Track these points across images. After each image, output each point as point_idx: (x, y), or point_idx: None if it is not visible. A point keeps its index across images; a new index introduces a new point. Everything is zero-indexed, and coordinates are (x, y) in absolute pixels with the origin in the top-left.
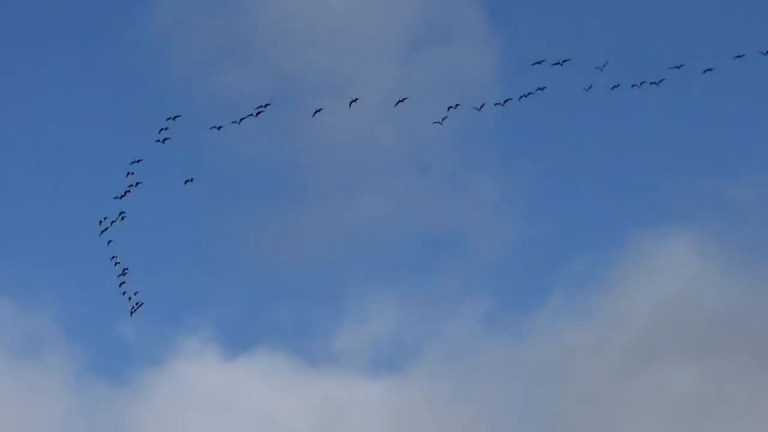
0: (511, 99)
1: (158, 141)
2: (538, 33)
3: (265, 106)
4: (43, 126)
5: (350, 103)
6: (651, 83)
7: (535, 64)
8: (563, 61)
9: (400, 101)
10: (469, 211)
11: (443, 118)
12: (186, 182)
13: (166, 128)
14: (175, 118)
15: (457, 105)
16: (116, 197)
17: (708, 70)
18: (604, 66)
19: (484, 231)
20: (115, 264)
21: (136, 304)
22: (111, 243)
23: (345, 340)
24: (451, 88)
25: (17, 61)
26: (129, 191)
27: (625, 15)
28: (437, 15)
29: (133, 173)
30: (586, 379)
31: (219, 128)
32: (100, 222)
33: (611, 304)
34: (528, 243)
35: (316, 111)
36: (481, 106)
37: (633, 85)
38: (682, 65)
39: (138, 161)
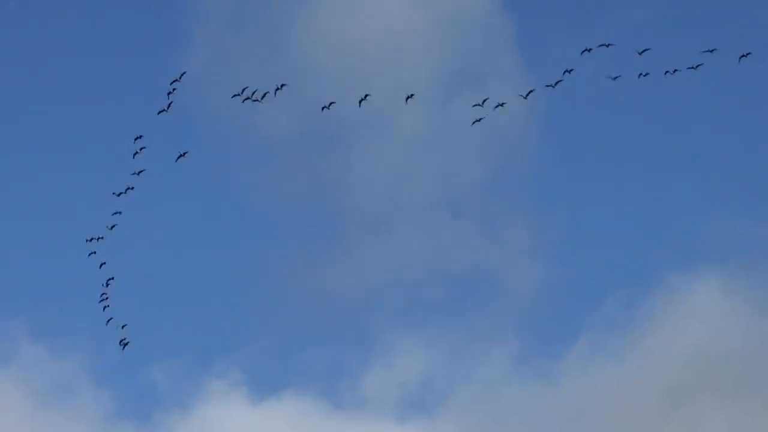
0: (534, 90)
1: (162, 111)
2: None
3: (282, 86)
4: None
5: (360, 101)
6: (689, 68)
7: (565, 72)
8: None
9: (409, 97)
10: (498, 254)
11: (478, 119)
12: (179, 157)
13: (174, 90)
14: (180, 76)
15: (484, 101)
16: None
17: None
18: (643, 51)
19: (514, 273)
20: (102, 300)
21: (123, 340)
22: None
23: (374, 383)
24: (484, 130)
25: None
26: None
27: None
28: (473, 58)
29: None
30: (617, 422)
31: (239, 96)
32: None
33: (642, 347)
34: (558, 285)
35: (328, 105)
36: (502, 104)
37: (666, 72)
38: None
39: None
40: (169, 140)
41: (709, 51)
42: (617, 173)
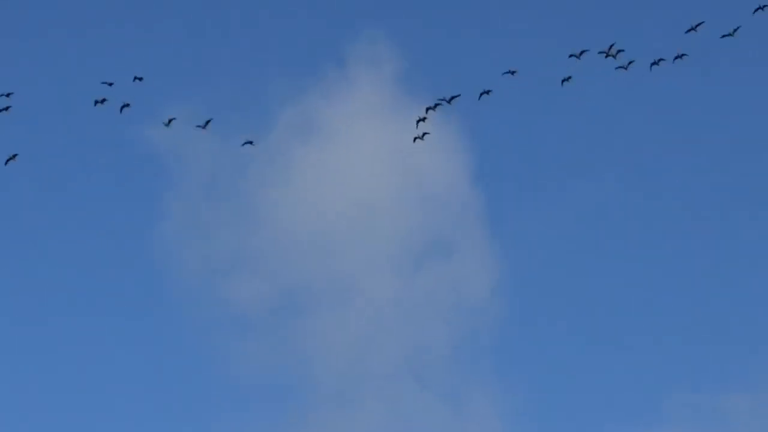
0: (491, 91)
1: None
2: (539, 248)
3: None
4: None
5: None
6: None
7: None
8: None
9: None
10: (465, 424)
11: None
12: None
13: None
14: (110, 84)
15: (436, 105)
16: None
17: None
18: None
19: None
20: None
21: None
22: None
23: None
24: (452, 299)
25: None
26: None
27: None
28: (443, 229)
29: None
30: None
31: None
32: None
33: None
34: None
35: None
36: (452, 98)
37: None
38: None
39: None
40: (138, 302)
41: None
42: (585, 344)
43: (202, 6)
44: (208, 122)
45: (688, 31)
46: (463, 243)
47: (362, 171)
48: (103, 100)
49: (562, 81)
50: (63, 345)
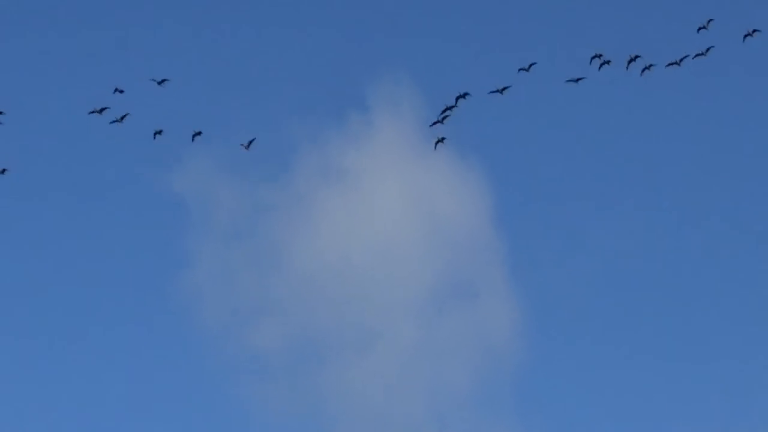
0: (509, 86)
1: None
2: (561, 291)
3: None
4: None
5: None
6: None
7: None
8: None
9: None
10: None
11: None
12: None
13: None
14: (121, 91)
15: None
16: None
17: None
18: None
19: None
20: None
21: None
22: None
23: None
24: (475, 343)
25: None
26: None
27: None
28: (463, 271)
29: None
30: None
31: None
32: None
33: None
34: None
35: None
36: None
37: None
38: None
39: None
40: (160, 346)
41: None
42: (606, 388)
43: (225, 51)
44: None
45: (700, 29)
46: (485, 286)
47: (385, 215)
48: (102, 110)
49: (576, 80)
50: (86, 390)
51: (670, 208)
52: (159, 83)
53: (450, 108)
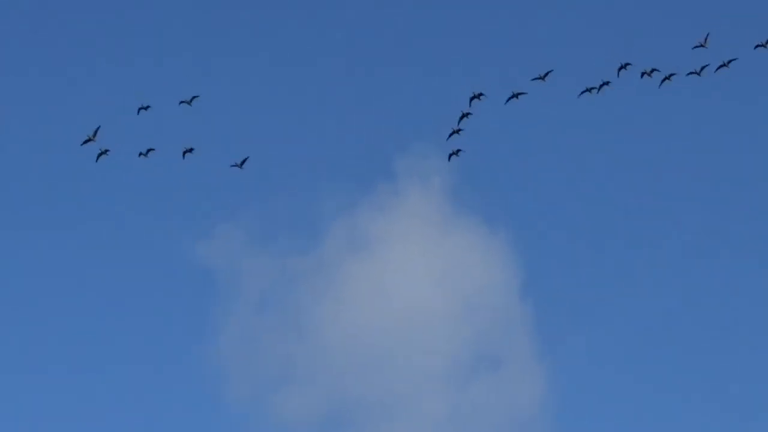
0: (525, 93)
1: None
2: (587, 363)
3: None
4: None
5: None
6: None
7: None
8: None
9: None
10: None
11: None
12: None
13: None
14: (146, 108)
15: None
16: None
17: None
18: None
19: None
20: None
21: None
22: None
23: None
24: (501, 413)
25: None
26: None
27: None
28: (490, 341)
29: None
30: None
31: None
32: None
33: None
34: None
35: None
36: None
37: None
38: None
39: None
40: (188, 416)
41: None
42: None
43: (253, 122)
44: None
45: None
46: (511, 357)
47: (412, 284)
48: (88, 140)
49: (597, 88)
50: None
51: (698, 285)
52: (189, 103)
53: (466, 115)
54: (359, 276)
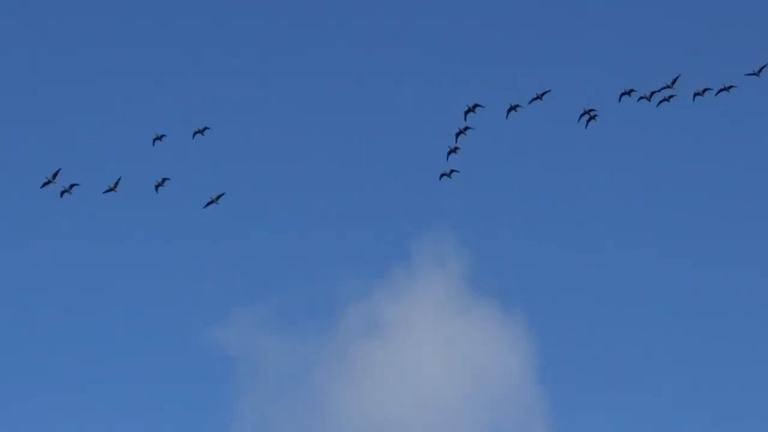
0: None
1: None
2: None
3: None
4: None
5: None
6: None
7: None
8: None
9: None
10: None
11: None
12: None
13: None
14: (161, 137)
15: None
16: None
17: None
18: None
19: None
20: None
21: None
22: None
23: None
24: None
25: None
26: None
27: None
28: (505, 426)
29: None
30: None
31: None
32: None
33: None
34: None
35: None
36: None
37: None
38: None
39: None
40: None
41: None
42: None
43: (269, 208)
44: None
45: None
46: None
47: (427, 369)
48: (48, 182)
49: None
50: None
51: (715, 373)
52: (202, 133)
53: (464, 130)
54: (376, 361)
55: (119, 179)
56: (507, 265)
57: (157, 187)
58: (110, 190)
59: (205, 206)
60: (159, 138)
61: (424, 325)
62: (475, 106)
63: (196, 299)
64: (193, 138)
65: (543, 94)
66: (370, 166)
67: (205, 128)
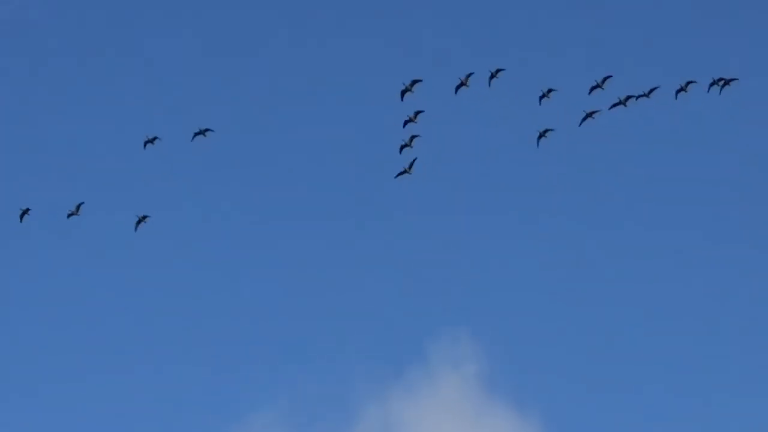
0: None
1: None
2: None
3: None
4: None
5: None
6: None
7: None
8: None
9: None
10: None
11: None
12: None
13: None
14: (153, 140)
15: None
16: None
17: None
18: None
19: None
20: None
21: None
22: None
23: None
24: None
25: None
26: None
27: None
28: None
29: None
30: None
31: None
32: None
33: None
34: None
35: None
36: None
37: None
38: None
39: None
40: None
41: None
42: None
43: (282, 300)
44: (206, 130)
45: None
46: None
47: None
48: (26, 212)
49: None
50: None
51: None
52: (204, 134)
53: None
54: None
55: (81, 203)
56: (524, 367)
57: (138, 223)
58: (73, 214)
59: (192, 138)
60: (151, 141)
61: (441, 426)
62: (414, 83)
63: (212, 398)
64: (192, 140)
65: (497, 71)
66: (386, 261)
67: (207, 129)
